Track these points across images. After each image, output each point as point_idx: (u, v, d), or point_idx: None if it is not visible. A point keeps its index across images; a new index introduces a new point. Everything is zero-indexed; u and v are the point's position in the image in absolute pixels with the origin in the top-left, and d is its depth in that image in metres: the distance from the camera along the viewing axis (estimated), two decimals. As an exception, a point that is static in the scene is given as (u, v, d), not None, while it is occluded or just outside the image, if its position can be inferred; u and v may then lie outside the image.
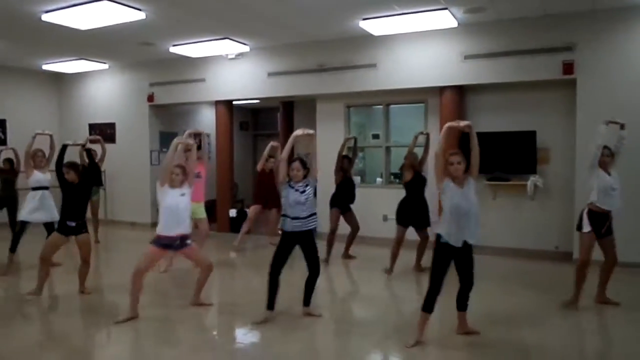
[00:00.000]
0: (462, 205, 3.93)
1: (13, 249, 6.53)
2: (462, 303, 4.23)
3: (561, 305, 5.01)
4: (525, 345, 4.22)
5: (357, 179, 9.07)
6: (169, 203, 4.62)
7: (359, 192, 8.16)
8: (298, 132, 4.66)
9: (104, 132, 11.08)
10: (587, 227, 4.91)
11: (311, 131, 4.70)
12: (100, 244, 8.76)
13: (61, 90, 11.76)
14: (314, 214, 4.62)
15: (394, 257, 6.33)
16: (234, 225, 9.42)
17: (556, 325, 4.69)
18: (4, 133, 10.59)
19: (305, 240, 4.61)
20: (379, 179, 8.95)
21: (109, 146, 10.59)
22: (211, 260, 5.16)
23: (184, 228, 4.72)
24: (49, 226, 6.28)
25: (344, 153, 7.27)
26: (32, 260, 5.83)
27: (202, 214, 6.75)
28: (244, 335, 4.52)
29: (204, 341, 4.38)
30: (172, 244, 4.68)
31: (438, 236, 4.06)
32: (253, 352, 4.27)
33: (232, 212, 9.81)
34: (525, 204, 7.50)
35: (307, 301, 4.83)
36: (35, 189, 6.33)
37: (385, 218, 8.12)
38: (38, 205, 6.27)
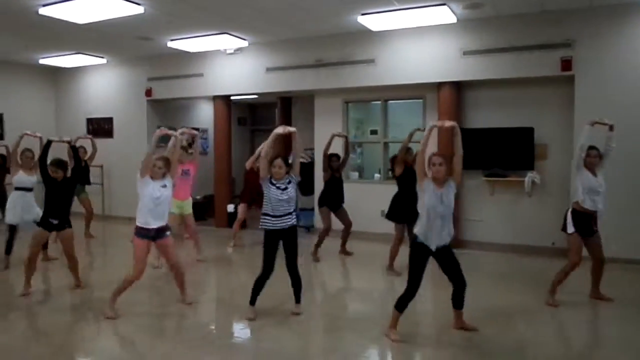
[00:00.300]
0: (438, 208, 3.92)
1: (8, 250, 6.45)
2: (457, 302, 4.23)
3: (545, 304, 5.01)
4: (519, 340, 4.24)
5: (354, 175, 9.10)
6: (150, 194, 4.60)
7: (356, 187, 8.19)
8: (279, 129, 4.58)
9: (102, 126, 11.09)
10: (571, 228, 4.91)
11: (292, 129, 4.65)
12: (98, 240, 8.77)
13: (58, 85, 11.72)
14: (294, 211, 4.61)
15: (394, 256, 6.27)
16: (232, 221, 9.40)
17: (550, 321, 4.72)
18: (1, 128, 10.56)
19: (288, 237, 4.61)
20: (376, 175, 8.96)
21: (106, 141, 10.68)
22: (181, 259, 5.18)
23: (163, 220, 4.72)
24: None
25: (332, 151, 7.11)
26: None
27: (189, 209, 6.77)
28: (241, 331, 4.53)
29: (200, 336, 4.38)
30: (148, 235, 4.67)
31: (414, 236, 4.06)
32: (250, 347, 4.28)
33: (230, 207, 9.81)
34: (523, 200, 7.52)
35: (298, 298, 4.83)
36: (17, 189, 6.26)
37: (382, 214, 8.12)
38: (19, 206, 6.20)
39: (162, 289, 5.78)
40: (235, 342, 4.35)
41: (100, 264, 7.51)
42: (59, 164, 5.29)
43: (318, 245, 7.18)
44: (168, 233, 4.84)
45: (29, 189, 6.31)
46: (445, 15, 6.99)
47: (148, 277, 6.01)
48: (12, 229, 6.42)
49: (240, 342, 4.36)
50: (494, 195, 7.78)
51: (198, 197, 10.74)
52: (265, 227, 4.54)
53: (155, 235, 4.71)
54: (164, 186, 4.69)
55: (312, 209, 8.95)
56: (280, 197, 4.46)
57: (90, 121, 11.27)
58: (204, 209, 10.84)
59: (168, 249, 4.88)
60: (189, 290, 5.17)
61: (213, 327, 4.67)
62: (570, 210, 4.96)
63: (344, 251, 7.39)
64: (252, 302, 4.64)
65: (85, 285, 5.69)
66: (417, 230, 4.05)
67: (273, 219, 4.50)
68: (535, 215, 7.45)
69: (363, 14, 7.09)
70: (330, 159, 7.02)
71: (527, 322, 4.62)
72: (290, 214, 4.57)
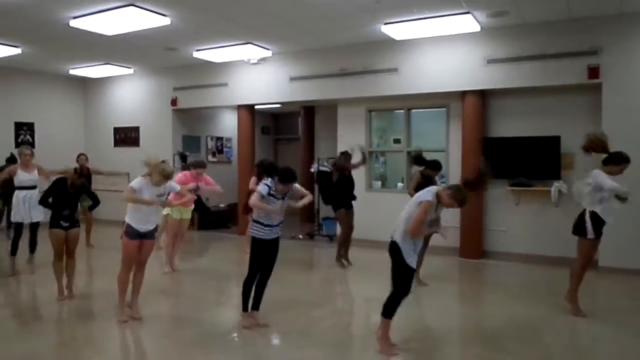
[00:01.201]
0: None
1: (13, 251, 6.51)
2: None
3: (572, 314, 4.92)
4: (543, 355, 4.16)
5: (377, 184, 9.08)
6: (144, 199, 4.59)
7: (379, 196, 8.14)
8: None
9: (129, 135, 11.32)
10: (591, 234, 4.80)
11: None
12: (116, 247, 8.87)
13: (87, 95, 12.02)
14: (281, 223, 4.56)
15: (419, 266, 6.17)
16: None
17: (573, 333, 4.62)
18: (32, 136, 10.86)
19: (274, 246, 4.56)
20: (400, 184, 8.91)
21: (133, 150, 10.92)
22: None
23: (155, 222, 4.81)
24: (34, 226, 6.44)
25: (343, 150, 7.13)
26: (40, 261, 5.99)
27: (189, 215, 6.88)
28: (263, 338, 4.53)
29: (222, 343, 4.41)
30: (138, 234, 4.69)
31: (400, 248, 3.94)
32: (274, 355, 4.28)
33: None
34: (549, 210, 7.39)
35: (257, 305, 4.66)
36: (19, 188, 6.33)
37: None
38: (24, 204, 6.28)
39: (177, 294, 5.83)
40: (257, 350, 4.35)
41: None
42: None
43: (346, 250, 7.16)
44: (156, 234, 4.91)
45: (32, 187, 6.38)
46: (468, 24, 6.95)
47: (162, 282, 6.11)
48: (18, 229, 6.49)
49: (263, 351, 4.36)
50: (519, 205, 7.67)
51: (222, 205, 10.86)
52: (258, 235, 4.47)
53: (145, 234, 4.75)
54: (160, 195, 4.71)
55: (335, 218, 8.94)
56: (278, 206, 4.39)
57: (117, 130, 11.52)
58: (227, 217, 10.95)
59: (148, 250, 4.90)
60: (212, 295, 5.19)
61: (235, 335, 4.68)
62: (589, 215, 4.82)
63: (339, 260, 7.23)
64: (245, 308, 4.61)
65: (103, 291, 5.67)
66: (402, 241, 3.94)
67: (265, 227, 4.44)
68: (561, 226, 7.24)
69: (386, 24, 7.10)
70: (339, 158, 7.02)
71: (549, 335, 4.52)
72: (280, 223, 4.53)
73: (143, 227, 4.70)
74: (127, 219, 4.69)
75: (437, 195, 3.88)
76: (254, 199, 4.34)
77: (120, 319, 4.73)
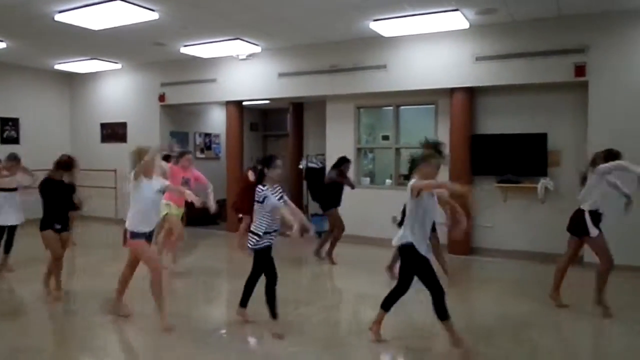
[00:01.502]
0: (432, 212, 3.96)
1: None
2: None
3: (602, 316, 4.85)
4: (530, 350, 4.20)
5: (366, 181, 9.10)
6: (146, 196, 4.52)
7: (368, 193, 8.15)
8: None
9: (116, 131, 11.21)
10: (594, 231, 4.80)
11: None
12: (115, 243, 8.83)
13: (73, 90, 11.88)
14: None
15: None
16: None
17: (561, 329, 4.66)
18: (17, 132, 10.71)
19: (270, 253, 4.47)
20: (388, 181, 8.94)
21: (120, 145, 10.83)
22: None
23: (154, 224, 4.74)
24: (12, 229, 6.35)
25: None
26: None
27: (180, 215, 6.85)
28: (252, 335, 4.52)
29: (213, 340, 4.40)
30: (143, 235, 4.63)
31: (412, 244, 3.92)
32: (261, 351, 4.28)
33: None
34: (536, 206, 7.45)
35: (273, 311, 4.42)
36: (1, 190, 6.28)
37: (394, 220, 8.10)
38: (3, 207, 6.22)
39: (166, 290, 5.78)
40: (248, 347, 4.35)
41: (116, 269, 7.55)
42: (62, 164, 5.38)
43: (322, 246, 7.24)
44: (154, 233, 4.89)
45: (13, 189, 6.32)
46: (457, 21, 6.97)
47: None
48: (1, 230, 6.39)
49: (252, 347, 4.36)
50: (506, 202, 7.73)
51: (210, 201, 10.78)
52: (264, 245, 4.36)
53: (147, 236, 4.67)
54: (160, 191, 4.66)
55: (323, 215, 8.95)
56: (277, 204, 4.31)
57: (104, 126, 11.41)
58: (216, 214, 10.88)
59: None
60: (201, 292, 5.16)
61: (224, 331, 4.67)
62: (587, 213, 4.83)
63: (319, 254, 7.28)
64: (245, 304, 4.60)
65: (91, 289, 5.64)
66: (411, 237, 3.92)
67: (272, 234, 4.37)
68: (548, 222, 7.38)
69: (375, 20, 7.10)
70: (343, 164, 7.04)
71: (538, 331, 4.56)
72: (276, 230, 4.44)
73: (146, 228, 4.61)
74: (129, 226, 4.57)
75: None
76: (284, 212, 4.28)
77: (120, 314, 4.73)
